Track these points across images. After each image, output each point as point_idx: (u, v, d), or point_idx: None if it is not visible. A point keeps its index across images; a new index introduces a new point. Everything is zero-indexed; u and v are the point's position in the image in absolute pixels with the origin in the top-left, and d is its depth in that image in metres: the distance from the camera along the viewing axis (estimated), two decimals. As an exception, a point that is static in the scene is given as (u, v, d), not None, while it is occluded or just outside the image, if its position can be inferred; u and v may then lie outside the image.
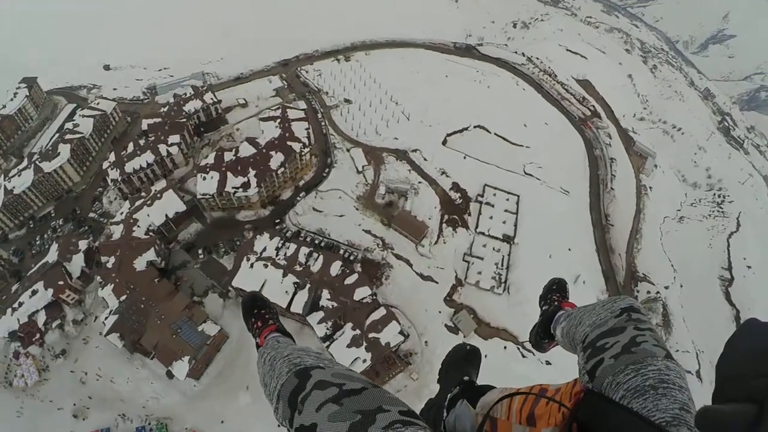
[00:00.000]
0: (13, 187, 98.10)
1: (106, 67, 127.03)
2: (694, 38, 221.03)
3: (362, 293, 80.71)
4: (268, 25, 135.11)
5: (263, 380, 3.83)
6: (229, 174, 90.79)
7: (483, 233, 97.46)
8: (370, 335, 78.30)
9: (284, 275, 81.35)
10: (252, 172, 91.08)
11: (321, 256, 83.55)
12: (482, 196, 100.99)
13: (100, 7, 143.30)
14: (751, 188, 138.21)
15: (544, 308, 6.60)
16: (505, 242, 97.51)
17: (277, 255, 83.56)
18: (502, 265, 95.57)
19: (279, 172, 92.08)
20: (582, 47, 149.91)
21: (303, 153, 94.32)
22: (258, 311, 6.24)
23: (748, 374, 2.09)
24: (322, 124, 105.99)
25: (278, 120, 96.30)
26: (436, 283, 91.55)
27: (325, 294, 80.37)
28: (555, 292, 6.76)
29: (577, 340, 4.01)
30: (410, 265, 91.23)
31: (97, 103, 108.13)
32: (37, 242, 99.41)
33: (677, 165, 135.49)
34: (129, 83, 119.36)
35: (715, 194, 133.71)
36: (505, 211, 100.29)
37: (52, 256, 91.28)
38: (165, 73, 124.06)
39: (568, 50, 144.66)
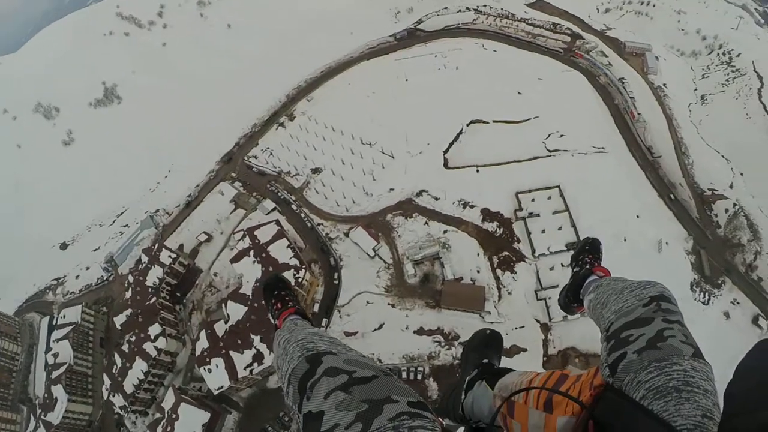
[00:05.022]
0: (35, 455, 63.82)
1: (63, 246, 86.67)
2: None
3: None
4: (192, 121, 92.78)
5: (277, 363, 2.92)
6: (232, 353, 54.27)
7: (544, 254, 60.72)
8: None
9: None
10: (256, 338, 54.45)
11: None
12: (520, 209, 63.09)
13: (28, 184, 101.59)
14: (747, 28, 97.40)
15: (575, 270, 4.77)
16: (573, 251, 61.00)
17: None
18: (582, 280, 59.84)
19: (286, 318, 55.20)
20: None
21: (301, 278, 56.58)
22: (279, 293, 4.56)
23: (757, 405, 1.74)
24: (303, 216, 65.82)
25: (251, 252, 57.99)
26: (525, 350, 55.98)
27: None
28: (588, 253, 4.81)
29: (601, 325, 2.96)
30: (490, 348, 55.77)
31: (63, 317, 69.41)
32: (92, 501, 65.51)
33: (668, 42, 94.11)
34: (88, 260, 79.30)
35: (718, 55, 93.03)
36: (554, 213, 62.42)
37: None
38: (119, 223, 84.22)
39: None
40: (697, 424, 1.94)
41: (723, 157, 78.77)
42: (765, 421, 1.59)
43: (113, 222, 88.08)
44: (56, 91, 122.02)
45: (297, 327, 3.44)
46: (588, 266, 4.57)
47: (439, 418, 2.01)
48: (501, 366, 4.45)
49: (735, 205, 70.73)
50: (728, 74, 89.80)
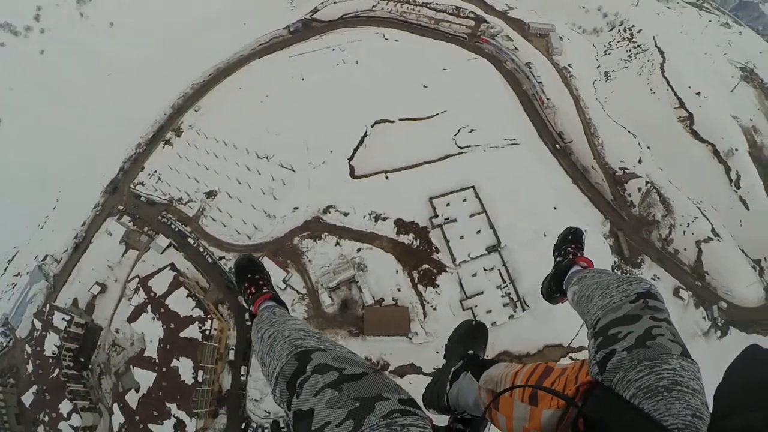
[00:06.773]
0: None
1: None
2: None
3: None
4: (75, 141, 79.27)
5: (262, 359, 2.75)
6: (151, 426, 45.87)
7: (465, 261, 55.87)
8: None
9: None
10: (172, 406, 46.09)
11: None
12: (435, 216, 57.43)
13: None
14: (647, 4, 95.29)
15: (558, 260, 4.52)
16: (493, 253, 56.59)
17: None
18: (505, 283, 55.80)
19: (200, 378, 46.86)
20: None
21: (209, 331, 47.93)
22: (252, 276, 4.13)
23: (746, 407, 1.70)
24: (202, 250, 56.34)
25: (148, 307, 48.66)
26: (457, 365, 51.87)
27: None
28: (570, 243, 4.54)
29: (588, 321, 2.87)
30: (421, 371, 50.34)
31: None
32: None
33: (570, 20, 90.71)
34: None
35: (619, 31, 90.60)
36: (471, 216, 57.44)
37: None
38: (11, 271, 70.64)
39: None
40: (688, 424, 1.89)
41: (629, 132, 77.29)
42: (750, 423, 1.58)
43: (5, 270, 74.84)
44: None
45: (277, 317, 3.15)
46: (571, 256, 4.32)
47: (429, 415, 1.94)
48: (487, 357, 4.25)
49: (647, 182, 69.76)
50: (630, 50, 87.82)
